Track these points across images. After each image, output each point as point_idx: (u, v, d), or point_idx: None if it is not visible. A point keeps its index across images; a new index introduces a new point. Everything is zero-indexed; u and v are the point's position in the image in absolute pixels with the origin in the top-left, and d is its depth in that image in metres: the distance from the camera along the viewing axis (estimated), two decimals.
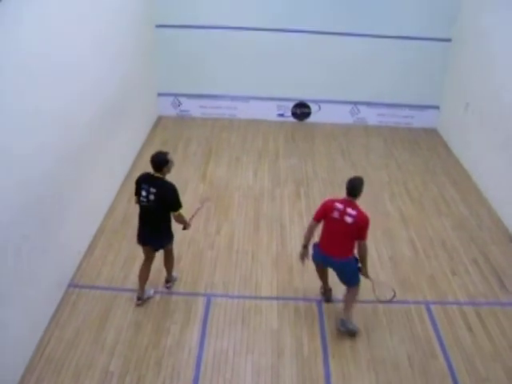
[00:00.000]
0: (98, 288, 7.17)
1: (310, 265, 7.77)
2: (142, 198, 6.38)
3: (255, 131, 12.08)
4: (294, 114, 12.77)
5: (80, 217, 7.46)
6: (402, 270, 7.78)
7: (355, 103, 12.57)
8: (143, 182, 6.40)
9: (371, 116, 12.69)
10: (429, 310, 7.08)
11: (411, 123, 12.71)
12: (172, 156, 6.45)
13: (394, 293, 6.78)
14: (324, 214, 6.42)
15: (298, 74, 12.16)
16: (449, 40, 11.76)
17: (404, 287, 7.42)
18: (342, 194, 9.64)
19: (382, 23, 11.69)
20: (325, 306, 7.06)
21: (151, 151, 10.61)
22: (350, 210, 6.21)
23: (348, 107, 12.61)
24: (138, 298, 6.89)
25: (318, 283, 7.44)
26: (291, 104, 12.67)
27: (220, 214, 8.91)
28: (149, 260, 6.84)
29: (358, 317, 6.81)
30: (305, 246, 6.65)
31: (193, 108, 12.65)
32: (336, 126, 12.49)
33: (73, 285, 7.17)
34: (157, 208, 6.34)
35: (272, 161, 10.81)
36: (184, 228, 6.72)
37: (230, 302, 7.06)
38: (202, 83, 12.34)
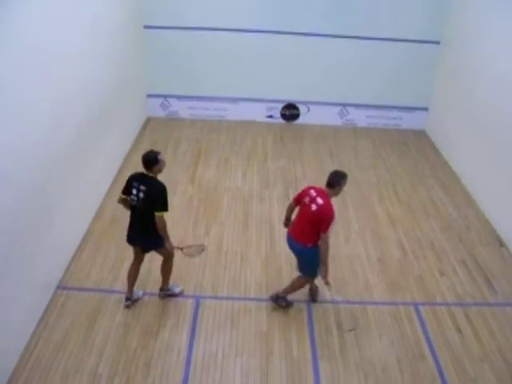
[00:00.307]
0: (86, 290, 7.13)
1: None
2: (132, 197, 6.30)
3: (244, 133, 12.07)
4: (282, 116, 12.78)
5: (68, 218, 7.42)
6: (391, 271, 7.81)
7: (344, 105, 12.60)
8: (134, 180, 6.32)
9: (360, 118, 12.73)
10: (417, 311, 7.10)
11: (400, 125, 12.76)
12: (163, 156, 6.37)
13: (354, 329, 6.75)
14: (299, 197, 6.58)
15: (287, 75, 12.17)
16: (437, 42, 11.82)
17: (393, 288, 7.45)
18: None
19: (370, 26, 11.72)
20: (314, 307, 7.05)
21: (140, 152, 10.59)
22: (318, 199, 6.29)
23: (337, 109, 12.64)
24: (127, 299, 6.84)
25: (307, 285, 7.47)
26: (280, 105, 12.67)
27: (209, 215, 8.90)
28: (137, 260, 6.80)
29: (347, 318, 6.83)
30: (286, 219, 6.88)
31: (182, 109, 12.62)
32: (325, 128, 12.51)
33: (61, 287, 7.13)
34: (146, 207, 6.23)
35: (261, 162, 10.81)
36: (162, 242, 6.44)
37: (219, 304, 7.05)
38: (191, 84, 12.31)
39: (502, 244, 8.59)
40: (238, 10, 11.59)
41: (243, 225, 8.71)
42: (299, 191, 6.72)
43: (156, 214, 6.18)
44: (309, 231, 6.35)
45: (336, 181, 6.37)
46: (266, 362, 6.21)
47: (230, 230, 8.52)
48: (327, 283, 6.50)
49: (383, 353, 6.43)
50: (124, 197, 6.44)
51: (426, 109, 12.55)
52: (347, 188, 9.80)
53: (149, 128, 12.05)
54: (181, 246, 6.82)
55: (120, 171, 9.93)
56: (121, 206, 8.31)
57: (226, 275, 7.55)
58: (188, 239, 8.21)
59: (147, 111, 12.52)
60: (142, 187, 6.20)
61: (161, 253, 6.70)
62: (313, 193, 6.38)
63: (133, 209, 6.43)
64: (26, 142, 5.95)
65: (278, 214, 9.01)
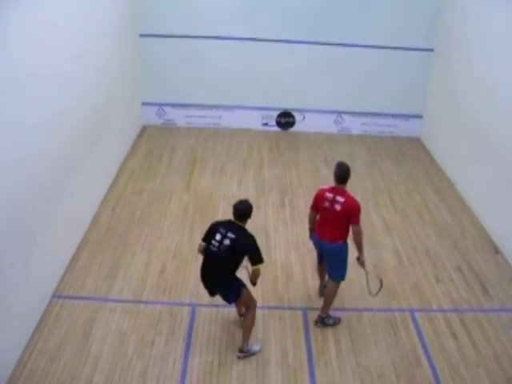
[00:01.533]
0: (81, 299, 7.10)
1: (294, 274, 7.81)
2: (213, 242, 5.93)
3: (240, 140, 12.09)
4: (278, 124, 12.80)
5: (63, 227, 7.40)
6: (387, 278, 7.78)
7: (339, 112, 12.63)
8: (221, 226, 6.02)
9: (355, 125, 12.76)
10: (413, 318, 7.10)
11: (395, 132, 12.79)
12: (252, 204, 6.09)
13: (381, 282, 6.79)
14: (316, 203, 6.61)
15: (283, 83, 12.21)
16: (431, 50, 11.88)
17: (388, 295, 7.44)
18: None
19: (365, 34, 11.79)
20: (310, 314, 7.05)
21: (136, 160, 10.77)
22: (338, 198, 6.34)
23: (332, 116, 12.67)
24: (240, 351, 6.37)
25: (303, 292, 7.48)
26: (276, 113, 12.69)
27: (204, 223, 8.80)
28: None
29: (343, 325, 6.83)
30: (310, 229, 6.87)
31: (177, 117, 12.64)
32: (320, 135, 12.54)
33: (56, 296, 7.10)
34: (227, 255, 5.87)
35: (256, 170, 10.82)
36: (253, 283, 6.08)
37: (215, 312, 7.02)
38: (187, 93, 12.33)
39: (496, 250, 8.60)
40: (234, 18, 11.64)
41: None
42: (313, 198, 6.74)
43: (254, 267, 5.88)
44: (339, 229, 6.45)
45: (348, 176, 6.47)
46: (262, 370, 6.20)
47: None
48: (367, 271, 6.66)
49: (379, 359, 6.42)
50: (204, 244, 6.12)
51: (420, 116, 12.60)
52: None
53: (144, 136, 12.06)
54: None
55: (115, 179, 9.94)
56: (117, 214, 8.32)
57: None
58: (183, 246, 8.21)
59: (143, 119, 12.53)
60: (231, 235, 5.87)
61: (242, 302, 6.31)
62: (329, 195, 6.41)
63: (211, 255, 6.03)
64: (22, 151, 5.95)
65: (274, 222, 9.03)
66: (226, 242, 5.86)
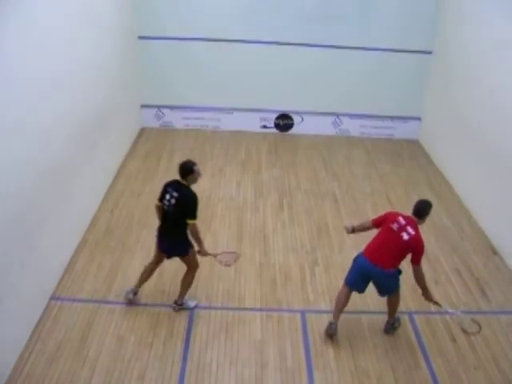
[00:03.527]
0: (80, 301, 7.09)
1: (293, 276, 7.80)
2: (164, 201, 6.47)
3: (238, 143, 12.09)
4: (276, 126, 12.81)
5: (62, 229, 7.40)
6: None
7: (337, 115, 12.64)
8: (168, 186, 6.52)
9: (353, 127, 12.77)
10: (412, 320, 7.10)
11: (393, 134, 12.81)
12: (199, 167, 6.50)
13: (479, 327, 6.47)
14: (383, 221, 6.38)
15: (281, 85, 12.22)
16: (430, 52, 11.90)
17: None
18: (325, 205, 9.74)
19: (364, 36, 11.80)
20: (308, 316, 7.05)
21: (134, 163, 10.76)
22: (409, 228, 6.13)
23: (330, 118, 12.68)
24: (134, 293, 7.01)
25: (301, 294, 7.45)
26: (274, 115, 12.70)
27: (203, 225, 8.82)
28: (155, 263, 6.98)
29: (342, 328, 6.79)
30: (354, 231, 6.70)
31: (176, 119, 12.64)
32: (318, 138, 12.55)
33: (54, 298, 7.09)
34: (175, 213, 6.41)
35: (255, 172, 10.82)
36: (198, 251, 6.69)
37: (214, 314, 7.03)
38: (185, 95, 12.33)
39: (495, 252, 8.61)
40: (232, 20, 11.64)
41: (237, 234, 8.70)
42: (381, 214, 6.58)
43: (188, 221, 6.38)
44: (393, 257, 6.23)
45: (427, 211, 6.31)
46: (260, 372, 6.19)
47: (223, 240, 8.51)
48: (437, 304, 6.51)
49: (378, 362, 6.42)
50: (160, 204, 6.60)
51: (419, 118, 12.61)
52: (340, 197, 9.95)
53: (143, 138, 12.06)
54: (214, 253, 6.93)
55: (114, 181, 9.93)
56: (115, 216, 8.32)
57: (220, 285, 7.54)
58: None
59: (141, 122, 12.53)
60: (175, 194, 6.39)
61: (185, 261, 6.82)
62: (402, 220, 6.22)
63: (164, 214, 6.57)
64: (20, 153, 5.95)
65: (272, 224, 9.03)
66: (172, 201, 6.39)
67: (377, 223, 6.49)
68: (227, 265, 7.07)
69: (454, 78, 10.90)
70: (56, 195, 7.13)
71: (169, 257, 6.88)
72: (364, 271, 6.37)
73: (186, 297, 7.04)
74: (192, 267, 6.85)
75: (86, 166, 8.36)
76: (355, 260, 6.52)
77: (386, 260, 6.22)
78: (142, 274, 7.03)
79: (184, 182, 6.44)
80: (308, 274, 7.86)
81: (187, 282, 6.93)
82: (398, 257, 6.25)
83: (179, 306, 7.00)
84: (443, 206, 9.94)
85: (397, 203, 9.87)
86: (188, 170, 6.40)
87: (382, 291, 6.56)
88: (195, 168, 6.43)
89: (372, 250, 6.33)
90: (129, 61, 11.23)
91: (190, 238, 6.57)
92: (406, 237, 6.11)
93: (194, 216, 6.39)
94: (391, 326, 6.81)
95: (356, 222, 6.88)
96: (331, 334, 6.57)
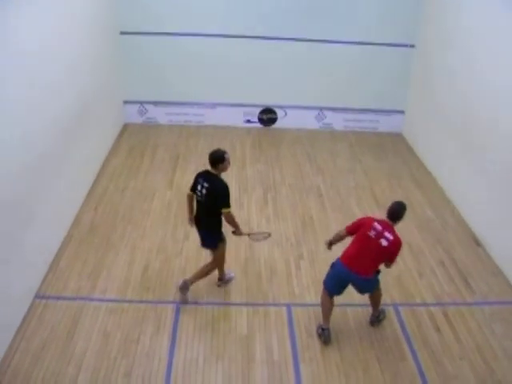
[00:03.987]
0: (65, 298, 7.05)
1: (278, 270, 7.82)
2: (197, 192, 6.67)
3: (222, 138, 12.06)
4: (260, 120, 12.81)
5: (46, 226, 7.35)
6: None
7: (321, 108, 12.67)
8: (200, 176, 6.69)
9: (337, 121, 12.80)
10: (397, 312, 7.15)
11: (377, 128, 12.86)
12: (229, 156, 6.61)
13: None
14: (358, 229, 6.29)
15: (264, 80, 12.22)
16: (412, 46, 11.96)
17: None
18: (310, 199, 9.75)
19: (346, 29, 11.82)
20: (294, 310, 7.07)
21: (117, 159, 10.71)
22: (387, 234, 6.08)
23: (314, 112, 12.71)
24: (219, 279, 7.40)
25: (287, 288, 7.48)
26: (258, 110, 12.70)
27: (188, 220, 8.85)
28: None
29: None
30: (331, 243, 6.69)
31: (159, 115, 12.59)
32: (302, 132, 12.57)
33: (39, 296, 7.04)
34: (207, 202, 6.59)
35: (239, 167, 10.80)
36: (234, 232, 6.89)
37: (200, 309, 7.02)
38: (169, 90, 12.29)
39: (478, 244, 8.69)
40: (214, 15, 11.59)
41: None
42: (354, 221, 6.55)
43: (223, 211, 6.58)
44: (373, 263, 6.21)
45: (401, 216, 6.26)
46: (247, 366, 6.21)
47: None
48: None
49: (364, 354, 6.46)
50: (191, 193, 6.84)
51: (402, 112, 12.67)
52: (326, 192, 9.98)
53: (126, 134, 12.00)
54: (248, 232, 7.34)
55: (97, 178, 9.88)
56: (99, 213, 8.28)
57: (206, 280, 7.51)
58: (167, 244, 8.20)
59: (124, 118, 12.47)
60: (206, 184, 6.56)
61: (213, 254, 7.04)
62: (378, 226, 6.14)
63: (198, 204, 6.79)
64: (1, 150, 5.89)
65: (257, 219, 9.03)
66: (204, 191, 6.58)
67: (351, 231, 6.41)
68: (257, 240, 7.47)
69: (435, 71, 10.96)
70: (38, 193, 7.07)
71: (206, 248, 7.12)
72: (343, 277, 6.33)
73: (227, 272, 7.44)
74: (217, 261, 7.05)
75: (68, 162, 8.28)
76: (333, 266, 6.45)
77: (367, 267, 6.20)
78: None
79: (214, 172, 6.56)
80: (293, 268, 7.89)
81: (205, 270, 7.08)
82: (377, 262, 6.25)
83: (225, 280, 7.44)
84: (427, 198, 10.01)
85: (381, 196, 9.91)
86: (220, 158, 6.49)
87: (362, 291, 6.57)
88: (226, 156, 6.54)
89: (350, 256, 6.25)
90: (110, 56, 11.15)
91: (224, 225, 6.81)
92: (385, 243, 6.07)
93: (227, 205, 6.55)
94: (376, 319, 6.85)
95: (331, 235, 6.88)
96: (326, 340, 6.53)
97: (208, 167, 6.59)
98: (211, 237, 6.90)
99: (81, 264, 7.70)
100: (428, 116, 11.29)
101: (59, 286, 7.27)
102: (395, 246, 6.12)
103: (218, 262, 7.11)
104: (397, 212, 6.27)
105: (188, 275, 7.46)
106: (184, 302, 7.02)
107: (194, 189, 6.75)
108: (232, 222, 6.73)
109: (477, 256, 8.42)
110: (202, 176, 6.66)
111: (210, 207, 6.61)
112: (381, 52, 12.02)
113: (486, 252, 8.49)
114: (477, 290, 7.68)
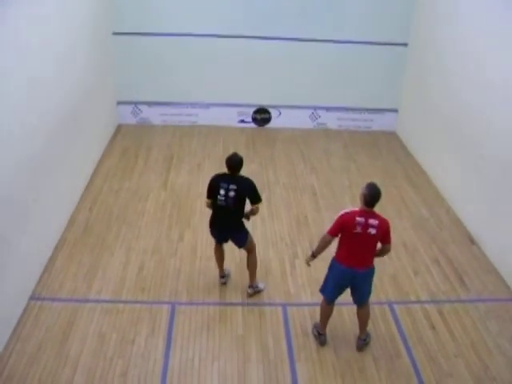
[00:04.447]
0: (60, 300, 7.04)
1: (273, 270, 7.82)
2: (219, 197, 6.60)
3: (216, 138, 12.06)
4: (254, 120, 12.81)
5: (40, 228, 7.33)
6: None
7: (315, 108, 12.68)
8: (221, 181, 6.64)
9: (331, 120, 12.82)
10: (392, 310, 7.17)
11: (370, 127, 12.89)
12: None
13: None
14: (341, 229, 6.04)
15: (258, 79, 12.22)
16: (405, 45, 11.98)
17: None
18: (304, 198, 9.76)
19: (339, 29, 11.84)
20: (289, 309, 7.08)
21: (112, 160, 10.69)
22: (371, 221, 5.88)
23: (308, 112, 12.72)
24: (221, 277, 7.41)
25: (282, 288, 7.49)
26: (251, 110, 12.70)
27: (182, 221, 8.87)
28: (221, 246, 7.27)
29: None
30: (314, 256, 6.34)
31: (153, 116, 12.58)
32: (296, 131, 12.58)
33: (34, 297, 7.03)
34: (235, 204, 6.59)
35: None
36: (247, 217, 6.93)
37: (195, 310, 7.02)
38: (162, 91, 12.28)
39: (472, 242, 8.72)
40: (208, 15, 11.58)
41: None
42: (333, 222, 6.12)
43: (256, 205, 6.74)
44: (372, 252, 6.12)
45: (379, 198, 6.04)
46: (243, 366, 6.21)
47: (203, 235, 8.46)
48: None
49: (359, 353, 6.47)
50: (210, 201, 6.82)
51: (395, 110, 12.70)
52: (319, 190, 9.99)
53: (120, 135, 11.98)
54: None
55: (92, 179, 9.86)
56: (94, 214, 8.28)
57: (201, 280, 7.53)
58: (162, 245, 8.19)
59: (118, 118, 12.45)
60: (233, 186, 6.55)
61: (245, 248, 7.08)
62: (360, 219, 5.89)
63: (219, 209, 6.72)
64: None
65: (252, 219, 8.96)
66: (231, 193, 6.54)
67: (335, 233, 6.12)
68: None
69: (428, 69, 10.99)
70: (33, 193, 7.05)
71: (240, 247, 7.14)
72: (347, 277, 6.16)
73: (260, 283, 7.39)
74: (251, 250, 7.10)
75: (62, 164, 8.26)
76: (331, 269, 6.30)
77: (367, 258, 6.11)
78: (217, 260, 7.33)
79: (236, 174, 6.65)
80: (288, 267, 7.90)
81: (253, 263, 7.17)
82: (374, 249, 6.12)
83: (254, 288, 7.27)
84: (421, 196, 10.03)
85: None
86: (241, 162, 6.65)
87: (362, 294, 6.33)
88: (242, 158, 6.69)
89: (347, 256, 6.09)
90: (103, 57, 11.12)
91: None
92: (373, 231, 5.91)
93: (260, 198, 6.75)
94: (364, 342, 6.54)
95: (313, 247, 6.66)
96: (321, 343, 6.54)
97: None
98: (240, 234, 6.96)
99: (76, 265, 7.69)
100: (421, 114, 11.32)
101: (54, 287, 7.26)
102: (383, 227, 5.96)
103: (253, 249, 7.09)
104: (375, 198, 5.99)
105: (183, 275, 7.49)
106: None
107: (213, 195, 6.69)
108: (256, 213, 6.89)
109: (471, 254, 8.44)
110: (225, 180, 6.62)
111: (238, 208, 6.66)
112: (374, 51, 12.04)
113: (480, 250, 8.52)
114: (471, 287, 7.71)
